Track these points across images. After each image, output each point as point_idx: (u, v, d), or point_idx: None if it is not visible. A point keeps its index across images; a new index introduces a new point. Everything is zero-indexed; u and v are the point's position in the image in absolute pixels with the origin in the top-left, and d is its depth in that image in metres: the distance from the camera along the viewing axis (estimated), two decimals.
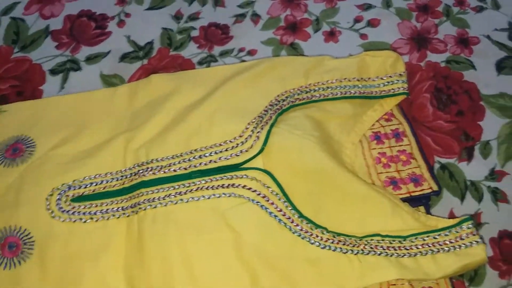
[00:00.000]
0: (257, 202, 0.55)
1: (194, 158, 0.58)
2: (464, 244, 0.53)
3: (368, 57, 0.66)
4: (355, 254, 0.53)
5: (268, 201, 0.55)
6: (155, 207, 0.55)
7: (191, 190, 0.57)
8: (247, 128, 0.59)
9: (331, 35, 0.76)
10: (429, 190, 0.60)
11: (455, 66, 0.72)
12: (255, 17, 0.78)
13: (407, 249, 0.53)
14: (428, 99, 0.69)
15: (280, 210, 0.55)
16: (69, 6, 0.79)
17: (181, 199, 0.56)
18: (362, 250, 0.53)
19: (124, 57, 0.74)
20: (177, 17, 0.78)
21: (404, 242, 0.53)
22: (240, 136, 0.59)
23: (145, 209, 0.55)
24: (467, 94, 0.70)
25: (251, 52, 0.74)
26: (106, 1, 0.79)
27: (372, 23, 0.77)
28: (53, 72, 0.72)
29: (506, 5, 0.78)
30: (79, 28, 0.77)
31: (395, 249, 0.53)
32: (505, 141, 0.66)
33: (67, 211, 0.56)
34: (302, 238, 0.54)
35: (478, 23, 0.76)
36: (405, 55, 0.73)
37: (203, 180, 0.57)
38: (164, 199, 0.56)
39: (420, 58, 0.73)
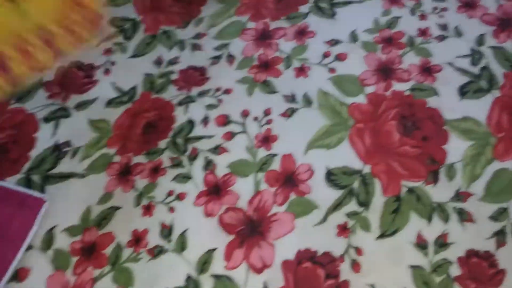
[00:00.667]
0: None
1: None
2: None
3: None
4: None
5: None
6: None
7: None
8: None
9: (301, 71, 0.81)
10: None
11: (419, 93, 0.76)
12: (230, 58, 0.83)
13: None
14: (394, 126, 0.73)
15: None
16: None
17: None
18: None
19: (110, 103, 0.79)
20: (158, 62, 0.84)
21: None
22: None
23: None
24: (431, 119, 0.73)
25: (227, 91, 0.79)
26: (94, 51, 0.86)
27: (340, 58, 0.82)
28: (46, 119, 0.78)
29: (468, 32, 0.83)
30: (69, 78, 0.83)
31: None
32: (469, 163, 0.69)
33: None
34: None
35: (441, 51, 0.81)
36: (371, 86, 0.78)
37: None
38: None
39: (386, 88, 0.77)
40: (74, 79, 0.83)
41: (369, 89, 0.77)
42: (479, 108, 0.74)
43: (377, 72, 0.80)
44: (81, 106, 0.79)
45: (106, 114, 0.78)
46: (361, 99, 0.76)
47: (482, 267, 0.61)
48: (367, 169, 0.69)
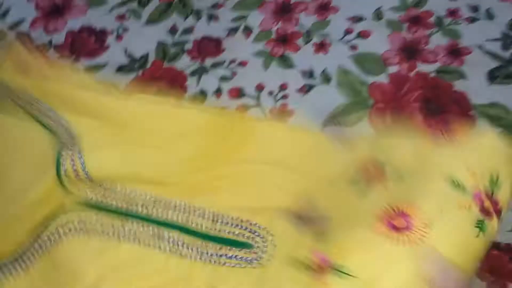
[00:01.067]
0: None
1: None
2: None
3: None
4: None
5: None
6: None
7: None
8: None
9: (321, 47, 0.77)
10: None
11: (445, 76, 0.72)
12: (247, 30, 0.80)
13: None
14: (417, 108, 0.69)
15: None
16: (71, 22, 0.83)
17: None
18: None
19: (120, 69, 0.77)
20: (172, 31, 0.81)
21: None
22: None
23: None
24: (456, 103, 0.69)
25: (242, 64, 0.76)
26: (107, 17, 0.83)
27: (363, 35, 0.78)
28: None
29: (500, 15, 0.78)
30: (79, 42, 0.80)
31: None
32: None
33: None
34: None
35: (471, 34, 0.76)
36: (394, 66, 0.74)
37: None
38: None
39: (410, 69, 0.73)
40: (85, 43, 0.80)
41: (392, 69, 0.73)
42: (508, 95, 0.70)
43: (401, 51, 0.75)
44: (90, 70, 0.76)
45: (116, 80, 0.75)
46: (382, 78, 0.72)
47: (502, 260, 0.57)
48: None
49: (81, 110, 0.59)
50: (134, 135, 0.60)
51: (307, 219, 0.54)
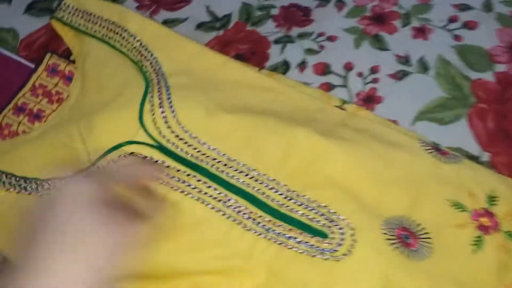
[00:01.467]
0: None
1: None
2: None
3: None
4: None
5: None
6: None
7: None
8: None
9: (421, 32, 0.70)
10: None
11: None
12: (340, 3, 0.73)
13: None
14: None
15: None
16: None
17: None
18: None
19: (200, 26, 0.72)
20: None
21: None
22: None
23: None
24: None
25: (331, 38, 0.70)
26: None
27: (468, 25, 0.70)
28: None
29: None
30: None
31: None
32: None
33: None
34: None
35: None
36: (502, 64, 0.66)
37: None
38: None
39: None
40: None
41: (499, 67, 0.66)
42: None
43: (510, 50, 0.67)
44: (169, 23, 0.72)
45: (194, 37, 0.70)
46: (488, 76, 0.65)
47: None
48: (485, 157, 0.58)
49: (174, 53, 0.57)
50: (220, 94, 0.56)
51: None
